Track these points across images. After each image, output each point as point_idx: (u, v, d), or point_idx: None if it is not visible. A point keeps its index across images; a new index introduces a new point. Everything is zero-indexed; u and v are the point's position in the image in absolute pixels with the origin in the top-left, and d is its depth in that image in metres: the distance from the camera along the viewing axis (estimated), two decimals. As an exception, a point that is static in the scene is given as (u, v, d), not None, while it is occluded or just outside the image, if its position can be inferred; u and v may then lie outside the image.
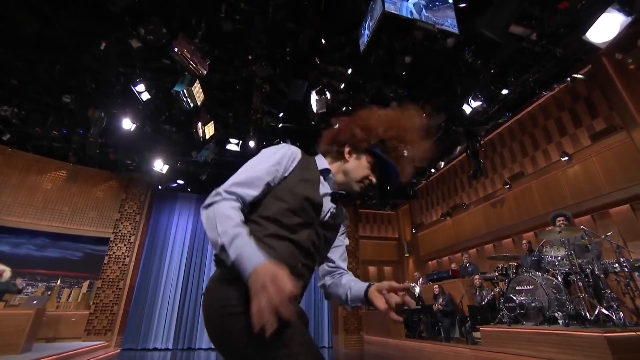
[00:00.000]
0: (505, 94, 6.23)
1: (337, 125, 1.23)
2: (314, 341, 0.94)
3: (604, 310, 3.98)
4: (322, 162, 1.20)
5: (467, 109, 6.15)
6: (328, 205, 1.13)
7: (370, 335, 8.44)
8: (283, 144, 1.17)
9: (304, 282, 1.06)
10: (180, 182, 9.75)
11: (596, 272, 4.34)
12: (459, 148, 8.48)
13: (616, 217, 5.67)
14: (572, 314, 4.12)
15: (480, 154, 7.67)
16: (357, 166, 1.18)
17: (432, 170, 9.68)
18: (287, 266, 0.85)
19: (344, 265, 1.24)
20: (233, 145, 7.74)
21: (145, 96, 5.84)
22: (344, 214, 1.26)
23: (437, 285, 7.01)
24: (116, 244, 8.87)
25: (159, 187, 9.95)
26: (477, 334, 5.31)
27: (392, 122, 1.16)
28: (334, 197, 1.17)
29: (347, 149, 1.19)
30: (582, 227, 4.76)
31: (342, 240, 1.26)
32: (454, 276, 7.26)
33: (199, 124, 6.55)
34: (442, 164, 9.39)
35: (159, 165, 8.11)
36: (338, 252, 1.24)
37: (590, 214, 6.00)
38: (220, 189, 1.02)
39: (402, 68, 5.36)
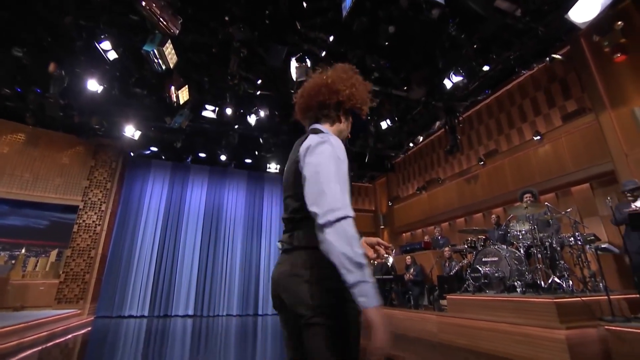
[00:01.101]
0: (486, 71, 6.27)
1: (318, 89, 1.27)
2: None
3: (556, 279, 4.36)
4: (334, 138, 1.21)
5: (447, 83, 6.18)
6: None
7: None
8: (330, 138, 1.16)
9: None
10: (154, 149, 9.38)
11: (554, 245, 4.70)
12: (437, 123, 8.58)
13: (577, 195, 6.06)
14: (530, 283, 4.49)
15: (457, 130, 7.81)
16: (346, 126, 1.34)
17: (411, 145, 9.81)
18: None
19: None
20: (209, 112, 7.47)
21: (112, 55, 5.43)
22: None
23: (409, 256, 7.35)
24: (86, 212, 8.58)
25: (131, 154, 9.56)
26: (444, 302, 5.69)
27: (362, 85, 1.29)
28: None
29: (341, 112, 1.30)
30: (546, 203, 5.07)
31: None
32: (425, 248, 7.62)
33: (172, 88, 6.22)
34: (421, 138, 9.51)
35: (130, 131, 7.73)
36: None
37: (554, 192, 6.37)
38: (342, 206, 1.02)
39: (386, 38, 5.24)
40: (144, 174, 9.96)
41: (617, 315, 3.73)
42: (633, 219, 3.67)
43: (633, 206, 3.92)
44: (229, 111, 7.24)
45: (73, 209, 8.49)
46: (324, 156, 1.09)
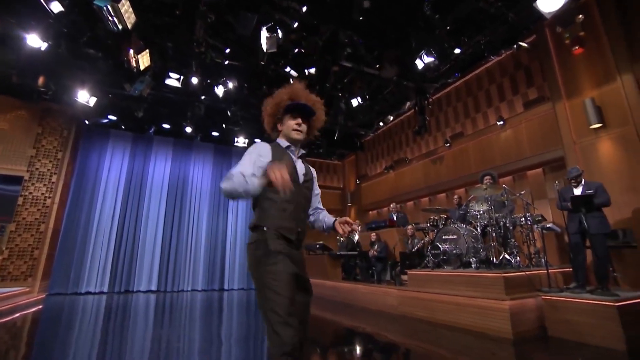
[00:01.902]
0: (457, 54, 6.40)
1: (264, 117, 1.78)
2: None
3: (506, 256, 4.76)
4: (282, 142, 1.72)
5: (419, 64, 6.24)
6: (301, 169, 1.68)
7: (311, 278, 9.11)
8: (257, 142, 1.67)
9: (303, 226, 1.64)
10: (112, 118, 8.74)
11: (507, 225, 5.09)
12: (408, 104, 8.71)
13: (531, 179, 6.53)
14: (483, 259, 4.86)
15: (426, 111, 8.00)
16: (285, 125, 1.70)
17: (381, 124, 9.93)
18: (294, 219, 1.57)
19: (320, 206, 1.83)
20: (173, 81, 7.04)
21: (57, 7, 4.84)
22: (310, 170, 1.77)
23: (374, 233, 7.63)
24: (33, 184, 7.95)
25: (86, 122, 8.86)
26: (405, 277, 6.02)
27: (282, 92, 1.71)
28: (302, 159, 1.73)
29: (278, 125, 1.74)
30: (503, 185, 5.42)
31: (317, 189, 1.82)
32: (390, 225, 7.93)
33: (131, 51, 5.76)
34: (391, 118, 9.64)
35: (84, 97, 7.11)
36: (314, 199, 1.80)
37: (512, 175, 6.81)
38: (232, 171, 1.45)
39: (360, 13, 5.14)
40: (102, 144, 9.35)
41: (553, 286, 4.17)
42: (574, 203, 4.04)
43: (575, 192, 4.29)
44: (194, 81, 6.86)
45: (16, 180, 7.81)
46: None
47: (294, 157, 1.68)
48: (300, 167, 1.68)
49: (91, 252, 8.62)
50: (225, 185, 1.39)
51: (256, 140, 10.25)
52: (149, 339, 4.10)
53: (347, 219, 1.67)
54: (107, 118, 8.76)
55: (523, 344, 3.65)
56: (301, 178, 1.66)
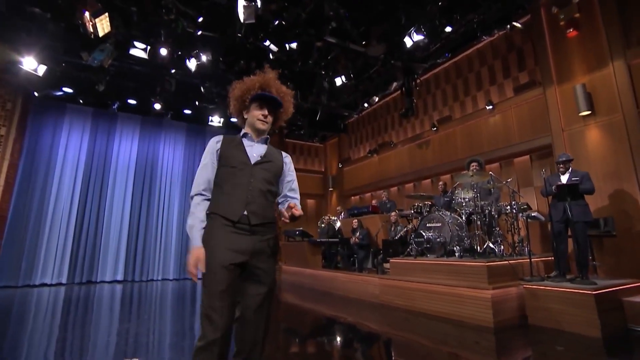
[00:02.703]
0: (448, 32, 6.33)
1: (230, 101, 1.83)
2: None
3: (490, 245, 4.89)
4: (242, 132, 1.80)
5: (408, 42, 6.14)
6: (258, 151, 1.73)
7: (288, 265, 9.14)
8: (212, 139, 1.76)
9: (257, 209, 1.62)
10: (68, 90, 8.18)
11: (492, 213, 5.21)
12: (394, 84, 8.64)
13: (518, 166, 6.69)
14: (467, 248, 4.97)
15: (414, 93, 7.97)
16: (251, 114, 1.77)
17: (365, 105, 9.84)
18: (240, 200, 1.60)
19: (291, 194, 1.81)
20: (139, 51, 6.62)
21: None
22: (277, 154, 1.82)
23: (356, 220, 7.67)
24: (-28, 163, 7.42)
25: (35, 93, 8.27)
26: (387, 265, 6.11)
27: (253, 79, 1.77)
28: (265, 142, 1.80)
29: (244, 112, 1.81)
30: (490, 172, 5.52)
31: (289, 176, 1.82)
32: (373, 212, 7.99)
33: (87, 14, 5.33)
34: (377, 99, 9.56)
35: (31, 64, 6.55)
36: (285, 186, 1.81)
37: (499, 162, 6.95)
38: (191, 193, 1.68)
39: (348, -17, 4.94)
40: (57, 120, 8.80)
41: (535, 275, 4.34)
42: (560, 191, 4.16)
43: (562, 179, 4.42)
44: (163, 52, 6.49)
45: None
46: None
47: (248, 142, 1.75)
48: (258, 149, 1.73)
49: (46, 240, 8.21)
50: (191, 208, 1.65)
51: (232, 119, 9.95)
52: (114, 334, 3.98)
53: (293, 204, 1.64)
54: (62, 90, 8.18)
55: (503, 332, 3.79)
56: (254, 159, 1.68)
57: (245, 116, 1.80)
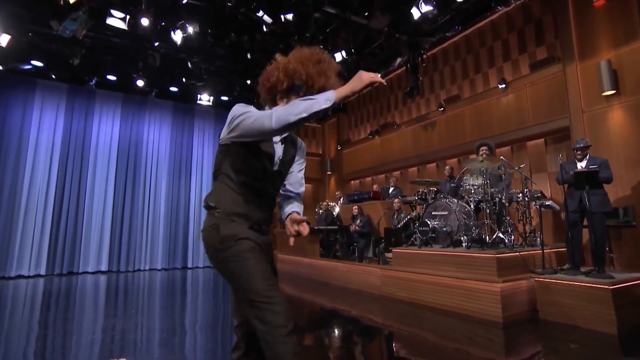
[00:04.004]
0: (459, 2, 6.11)
1: (265, 74, 1.54)
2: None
3: (500, 235, 4.85)
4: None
5: (415, 13, 5.95)
6: (277, 153, 1.53)
7: (284, 254, 9.14)
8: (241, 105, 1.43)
9: (267, 216, 1.55)
10: (37, 64, 7.87)
11: (503, 201, 5.16)
12: (398, 60, 8.43)
13: (530, 150, 6.61)
14: (475, 238, 4.93)
15: (420, 70, 7.78)
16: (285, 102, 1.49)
17: (368, 83, 9.63)
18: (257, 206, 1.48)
19: (293, 187, 1.67)
20: (117, 21, 6.32)
21: None
22: (298, 146, 1.68)
23: (356, 206, 7.62)
24: None
25: (-1, 67, 7.93)
26: (389, 255, 6.10)
27: (307, 64, 1.47)
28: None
29: (278, 95, 1.53)
30: (501, 157, 5.43)
31: (294, 167, 1.68)
32: (374, 198, 7.95)
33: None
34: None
35: (-7, 33, 6.26)
36: (290, 178, 1.67)
37: (510, 145, 6.86)
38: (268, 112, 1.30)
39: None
40: (26, 97, 8.51)
41: (547, 267, 4.33)
42: (577, 178, 4.09)
43: (579, 166, 4.35)
44: (145, 22, 6.22)
45: None
46: (237, 111, 1.41)
47: (273, 140, 1.53)
48: (278, 151, 1.54)
49: (21, 228, 8.06)
50: (280, 115, 1.26)
51: (222, 97, 9.76)
52: (99, 331, 3.93)
53: (297, 216, 1.52)
54: (30, 64, 7.86)
55: (513, 327, 3.80)
56: (275, 166, 1.52)
57: (279, 103, 1.52)
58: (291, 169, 1.67)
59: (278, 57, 1.55)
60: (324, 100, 1.25)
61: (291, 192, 1.67)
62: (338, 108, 11.26)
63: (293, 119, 1.24)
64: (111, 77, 8.52)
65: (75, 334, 3.80)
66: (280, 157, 1.56)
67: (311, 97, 1.26)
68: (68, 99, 8.92)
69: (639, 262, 4.54)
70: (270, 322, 1.28)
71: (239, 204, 1.45)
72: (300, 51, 1.52)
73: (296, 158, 1.68)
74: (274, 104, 1.53)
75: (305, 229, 1.47)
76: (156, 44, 7.23)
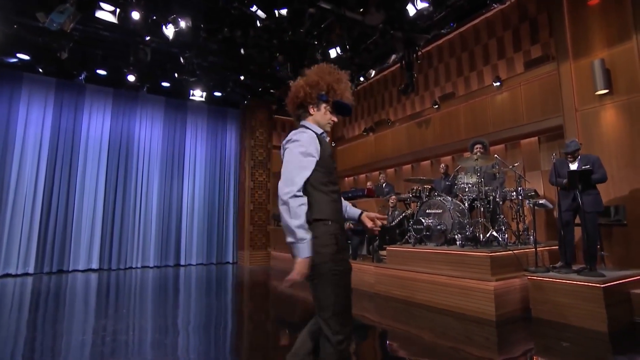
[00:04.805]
0: (454, -1, 6.10)
1: (292, 93, 1.76)
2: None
3: (494, 233, 4.89)
4: (312, 126, 1.72)
5: (411, 9, 5.93)
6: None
7: (277, 251, 9.12)
8: (299, 135, 1.62)
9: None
10: (24, 57, 7.68)
11: (497, 199, 5.19)
12: (393, 57, 8.41)
13: (524, 148, 6.65)
14: (469, 236, 4.97)
15: (414, 67, 7.77)
16: (321, 115, 1.75)
17: (362, 79, 9.60)
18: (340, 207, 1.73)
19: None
20: (107, 14, 6.18)
21: None
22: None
23: (350, 204, 7.60)
24: None
25: (-19, 59, 7.72)
26: (383, 253, 6.12)
27: (340, 82, 1.73)
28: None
29: (309, 107, 1.74)
30: (495, 156, 5.46)
31: None
32: (368, 195, 7.94)
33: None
34: (373, 72, 9.33)
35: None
36: None
37: (504, 143, 6.89)
38: (291, 189, 1.51)
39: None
40: (13, 91, 8.32)
41: (539, 266, 4.38)
42: (571, 178, 4.12)
43: (571, 166, 4.38)
44: (135, 16, 6.09)
45: None
46: (290, 152, 1.59)
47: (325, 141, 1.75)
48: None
49: (8, 225, 7.91)
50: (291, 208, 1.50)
51: (215, 93, 9.67)
52: (90, 332, 3.88)
53: (377, 215, 1.86)
54: (16, 57, 7.68)
55: (506, 326, 3.86)
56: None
57: (312, 112, 1.74)
58: None
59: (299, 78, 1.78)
60: (299, 250, 1.47)
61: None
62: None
63: (287, 223, 1.47)
64: (101, 72, 8.37)
65: (65, 335, 3.75)
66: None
67: (302, 239, 1.46)
68: (56, 93, 8.75)
69: (629, 260, 4.60)
70: (331, 341, 1.55)
71: (334, 209, 1.70)
72: (316, 67, 1.76)
73: None
74: (307, 114, 1.74)
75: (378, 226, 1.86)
76: (147, 38, 7.10)
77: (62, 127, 8.73)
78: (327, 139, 1.81)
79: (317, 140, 1.63)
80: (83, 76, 8.48)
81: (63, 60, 7.28)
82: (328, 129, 1.78)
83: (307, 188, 1.58)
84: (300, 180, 1.52)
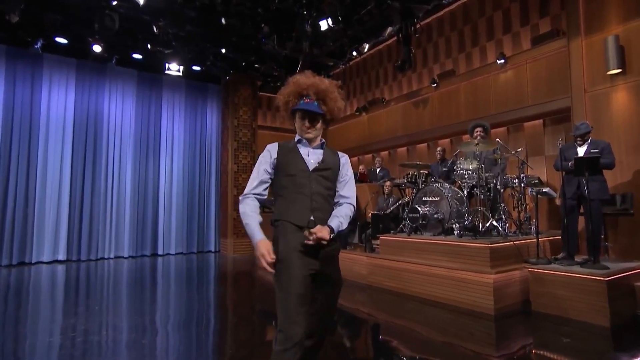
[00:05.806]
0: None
1: (277, 102, 1.99)
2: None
3: (494, 222, 4.90)
4: (296, 136, 1.99)
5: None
6: (315, 158, 1.92)
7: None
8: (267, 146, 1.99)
9: (321, 212, 1.86)
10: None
11: (498, 187, 5.19)
12: (389, 29, 8.23)
13: (528, 131, 6.65)
14: (468, 226, 4.97)
15: (412, 41, 7.62)
16: (297, 125, 1.96)
17: (354, 54, 9.41)
18: (305, 207, 1.83)
19: (344, 192, 1.99)
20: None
21: None
22: (334, 157, 2.01)
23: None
24: None
25: None
26: (376, 242, 6.12)
27: (289, 88, 1.91)
28: (321, 147, 2.00)
29: (292, 121, 2.00)
30: (497, 140, 5.42)
31: (342, 176, 2.01)
32: (361, 180, 7.89)
33: None
34: (367, 46, 9.14)
35: None
36: (340, 185, 2.01)
37: (507, 126, 6.89)
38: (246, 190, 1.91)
39: None
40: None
41: (541, 257, 4.42)
42: (578, 165, 4.11)
43: (579, 150, 4.37)
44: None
45: None
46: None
47: (304, 149, 1.93)
48: (315, 156, 1.92)
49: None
50: (240, 208, 1.88)
51: (194, 67, 9.36)
52: (58, 332, 3.78)
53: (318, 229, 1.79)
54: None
55: (504, 320, 3.91)
56: (312, 166, 1.87)
57: (293, 126, 1.99)
58: (341, 178, 2.08)
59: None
60: (251, 232, 1.80)
61: (343, 196, 2.06)
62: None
63: (243, 216, 1.84)
64: (61, 40, 7.95)
65: (29, 337, 3.63)
66: (320, 161, 1.95)
67: (253, 230, 1.79)
68: (8, 63, 8.20)
69: (634, 251, 4.68)
70: (279, 339, 1.72)
71: (294, 210, 1.89)
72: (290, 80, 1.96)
73: (342, 171, 2.08)
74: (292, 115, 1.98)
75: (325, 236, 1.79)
76: (114, 2, 6.75)
77: (17, 102, 8.23)
78: (311, 145, 1.95)
79: (276, 148, 1.93)
80: (39, 44, 8.04)
81: (14, 25, 6.85)
82: (307, 136, 1.92)
83: None
84: (253, 183, 1.97)
